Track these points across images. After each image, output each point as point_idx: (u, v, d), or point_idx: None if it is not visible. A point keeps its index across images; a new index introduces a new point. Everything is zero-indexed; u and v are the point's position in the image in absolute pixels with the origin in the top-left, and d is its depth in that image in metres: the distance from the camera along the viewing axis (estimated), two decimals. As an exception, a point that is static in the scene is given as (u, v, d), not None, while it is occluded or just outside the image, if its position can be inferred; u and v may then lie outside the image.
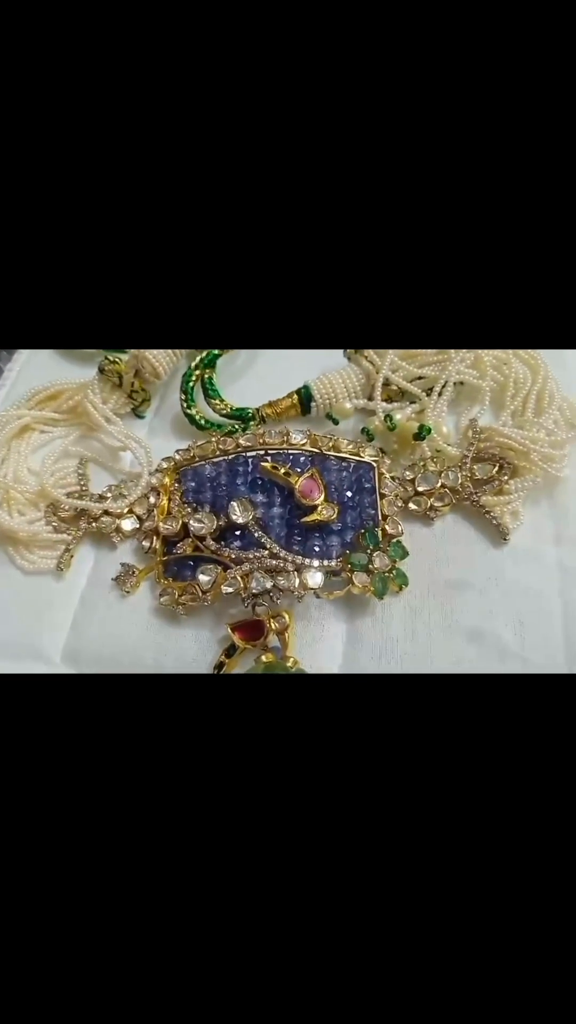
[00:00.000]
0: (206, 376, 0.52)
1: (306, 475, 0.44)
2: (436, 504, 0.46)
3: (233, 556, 0.43)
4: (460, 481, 0.46)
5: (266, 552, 0.43)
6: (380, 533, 0.44)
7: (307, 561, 0.42)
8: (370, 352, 0.50)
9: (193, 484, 0.47)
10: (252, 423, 0.51)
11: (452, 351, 0.49)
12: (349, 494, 0.45)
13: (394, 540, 0.44)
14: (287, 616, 0.42)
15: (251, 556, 0.43)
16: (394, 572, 0.43)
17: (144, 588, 0.46)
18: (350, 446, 0.47)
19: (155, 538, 0.46)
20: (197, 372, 0.52)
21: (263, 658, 0.41)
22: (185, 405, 0.51)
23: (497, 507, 0.45)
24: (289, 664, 0.41)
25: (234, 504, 0.43)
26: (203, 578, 0.43)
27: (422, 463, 0.47)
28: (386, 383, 0.49)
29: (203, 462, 0.47)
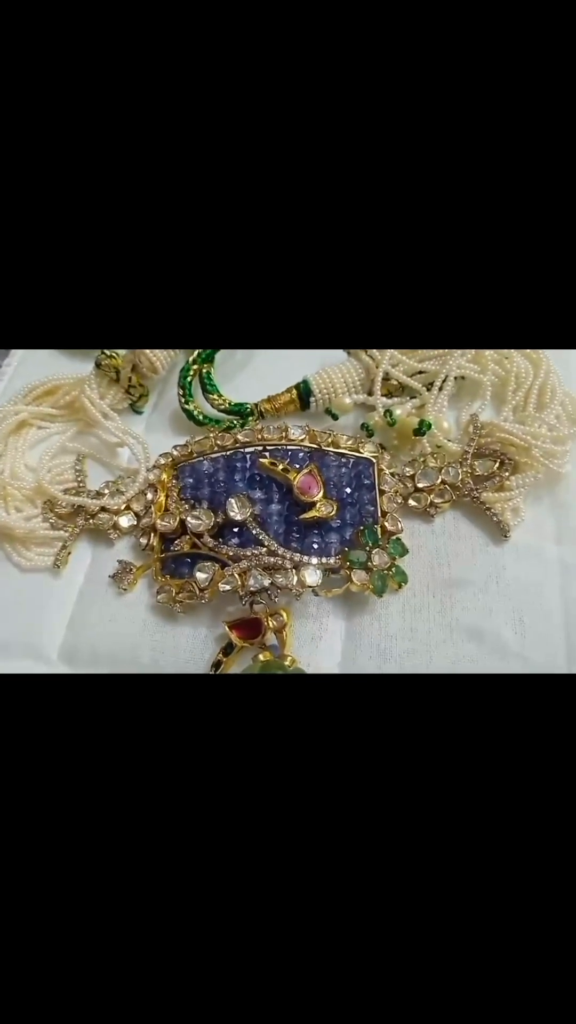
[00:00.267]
0: (204, 371, 0.52)
1: (305, 471, 0.44)
2: (436, 500, 0.45)
3: (231, 553, 0.43)
4: (460, 477, 0.45)
5: (264, 549, 0.42)
6: (379, 530, 0.43)
7: (305, 558, 0.42)
8: (370, 347, 0.50)
9: (191, 480, 0.46)
10: (250, 418, 0.50)
11: (453, 347, 0.48)
12: (348, 490, 0.45)
13: (393, 537, 0.43)
14: (285, 614, 0.42)
15: (249, 553, 0.42)
16: (393, 569, 0.42)
17: (141, 585, 0.45)
18: (349, 442, 0.46)
19: (152, 535, 0.46)
20: (195, 367, 0.52)
21: (260, 656, 0.41)
22: (183, 400, 0.51)
23: (498, 504, 0.45)
24: (287, 663, 0.41)
25: (232, 501, 0.43)
26: (200, 575, 0.43)
27: (422, 459, 0.46)
28: (386, 378, 0.49)
29: (201, 458, 0.47)
